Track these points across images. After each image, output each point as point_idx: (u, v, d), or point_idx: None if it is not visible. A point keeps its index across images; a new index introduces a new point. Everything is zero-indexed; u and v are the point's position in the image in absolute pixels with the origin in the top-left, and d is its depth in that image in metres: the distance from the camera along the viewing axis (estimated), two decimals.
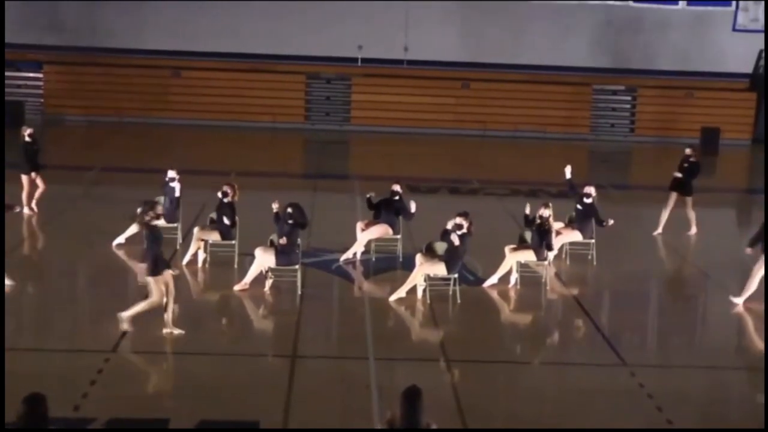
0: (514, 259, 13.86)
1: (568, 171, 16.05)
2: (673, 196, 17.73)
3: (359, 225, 14.97)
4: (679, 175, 17.63)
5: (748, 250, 13.61)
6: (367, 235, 14.87)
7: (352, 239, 14.97)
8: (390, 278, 14.27)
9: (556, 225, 14.81)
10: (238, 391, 9.86)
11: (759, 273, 13.23)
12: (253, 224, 14.66)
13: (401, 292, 13.05)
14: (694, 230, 17.54)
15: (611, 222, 15.36)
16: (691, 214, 17.63)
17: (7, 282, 12.77)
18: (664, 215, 17.64)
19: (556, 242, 14.62)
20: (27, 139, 17.60)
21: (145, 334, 11.61)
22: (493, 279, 13.93)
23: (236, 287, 13.25)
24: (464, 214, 13.06)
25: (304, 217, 13.19)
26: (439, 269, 13.00)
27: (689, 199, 17.71)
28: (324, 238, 15.85)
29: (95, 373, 10.14)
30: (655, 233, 17.39)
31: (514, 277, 13.94)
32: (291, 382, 10.24)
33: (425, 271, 12.99)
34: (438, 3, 32.22)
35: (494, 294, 13.74)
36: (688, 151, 18.07)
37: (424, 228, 14.89)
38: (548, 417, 9.71)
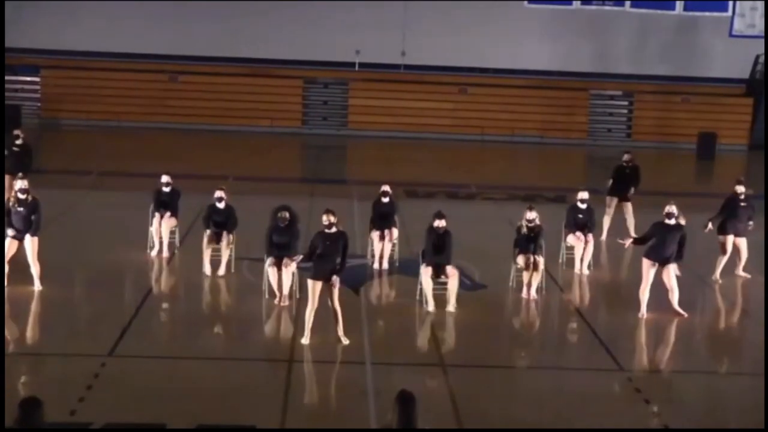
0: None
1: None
2: (615, 201, 17.61)
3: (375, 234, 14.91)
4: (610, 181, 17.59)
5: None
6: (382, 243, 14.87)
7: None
8: (387, 282, 14.27)
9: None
10: (235, 396, 9.85)
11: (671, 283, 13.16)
12: (251, 228, 14.62)
13: (431, 305, 12.92)
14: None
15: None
16: (631, 221, 17.44)
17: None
18: (606, 221, 17.47)
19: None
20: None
21: (142, 338, 11.63)
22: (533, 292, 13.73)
23: (277, 301, 12.93)
24: (440, 216, 13.07)
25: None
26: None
27: (629, 205, 17.57)
28: None
29: (92, 378, 10.13)
30: (601, 238, 17.16)
31: (510, 277, 13.89)
32: (288, 386, 10.24)
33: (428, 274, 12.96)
34: (435, 7, 32.25)
35: (491, 298, 13.73)
36: (626, 157, 17.88)
37: (421, 233, 14.85)
38: (545, 422, 9.71)
